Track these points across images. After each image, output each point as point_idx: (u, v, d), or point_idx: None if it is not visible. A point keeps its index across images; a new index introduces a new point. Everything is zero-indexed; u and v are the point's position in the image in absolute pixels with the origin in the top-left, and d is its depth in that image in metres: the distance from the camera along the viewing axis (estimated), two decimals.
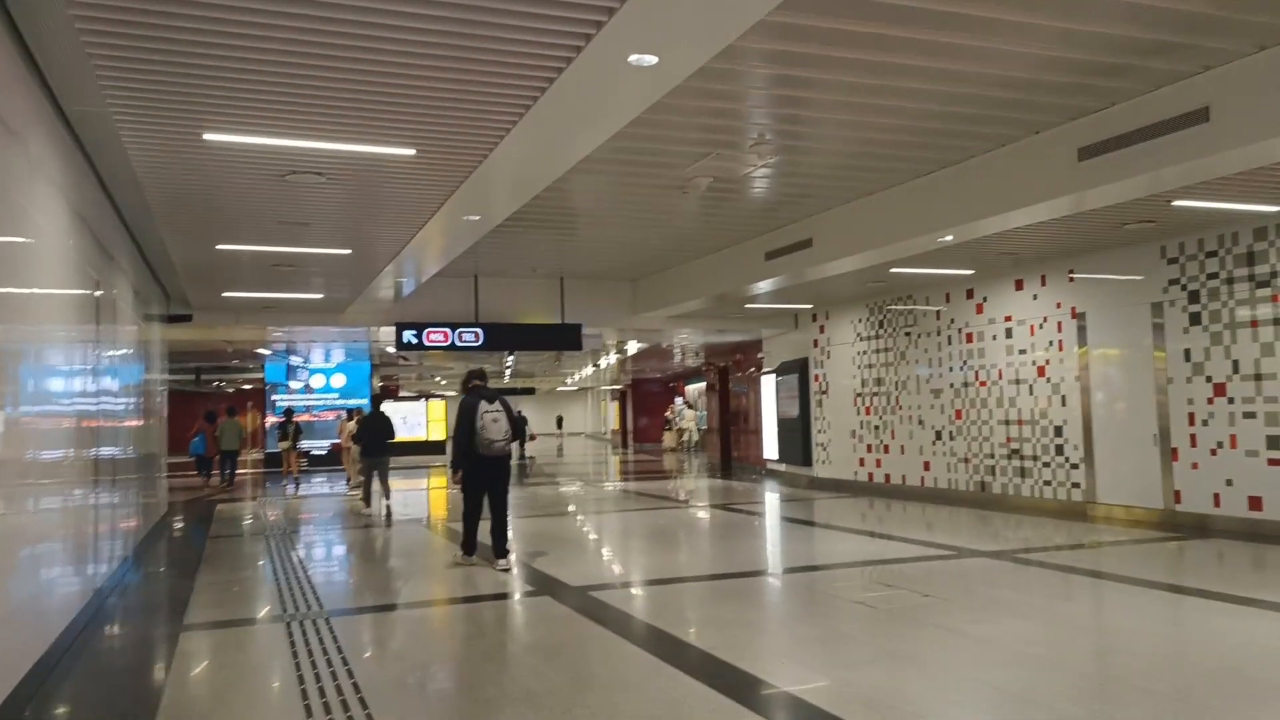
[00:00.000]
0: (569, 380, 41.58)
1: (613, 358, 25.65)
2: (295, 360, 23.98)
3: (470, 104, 5.02)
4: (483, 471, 7.81)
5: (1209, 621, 5.61)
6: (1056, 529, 9.60)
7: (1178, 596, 6.34)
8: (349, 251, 9.02)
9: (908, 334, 13.27)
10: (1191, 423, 9.23)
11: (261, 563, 8.72)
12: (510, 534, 8.41)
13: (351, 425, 15.18)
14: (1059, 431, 10.72)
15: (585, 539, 10.42)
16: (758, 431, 18.77)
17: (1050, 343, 10.87)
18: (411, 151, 5.79)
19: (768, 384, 17.92)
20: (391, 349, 20.66)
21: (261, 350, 20.29)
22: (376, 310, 13.69)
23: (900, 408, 13.44)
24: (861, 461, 14.30)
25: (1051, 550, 8.34)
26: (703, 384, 33.84)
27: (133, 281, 8.76)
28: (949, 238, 8.50)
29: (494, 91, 4.82)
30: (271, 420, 23.14)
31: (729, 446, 21.59)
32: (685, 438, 31.39)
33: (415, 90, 4.83)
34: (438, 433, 29.24)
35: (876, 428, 13.97)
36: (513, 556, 8.13)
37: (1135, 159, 6.23)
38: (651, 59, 4.29)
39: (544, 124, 5.25)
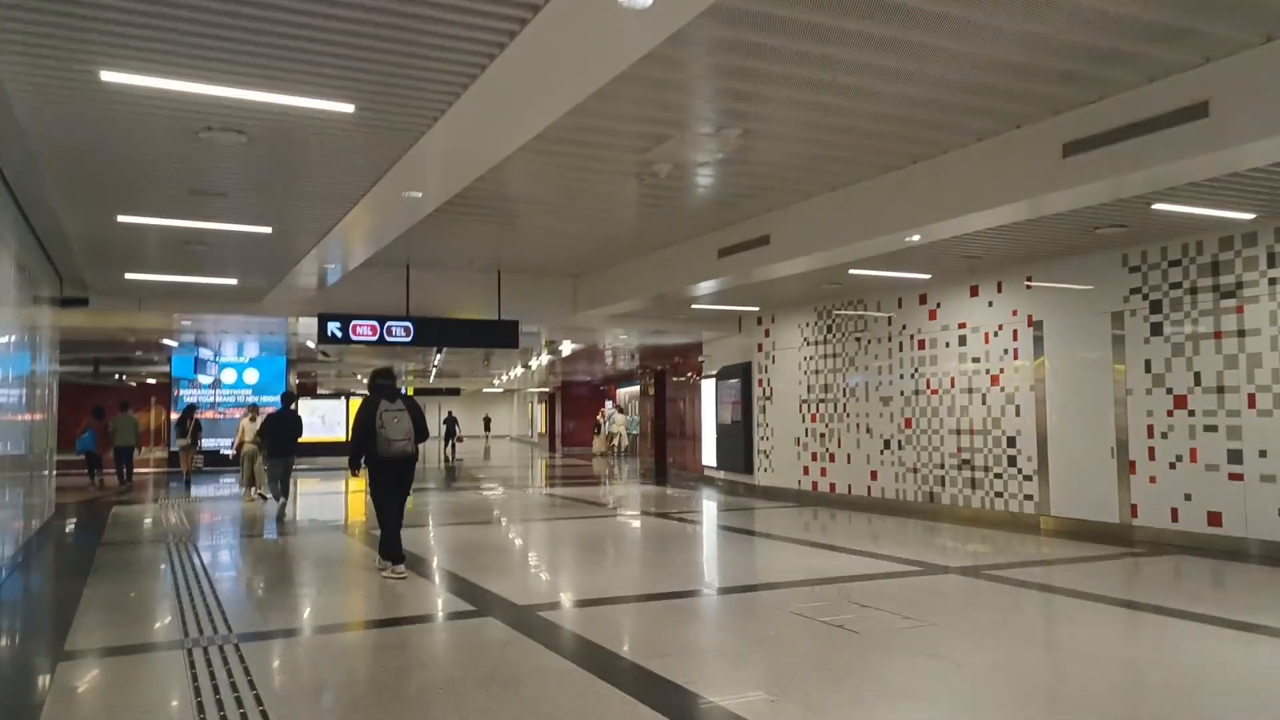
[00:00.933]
0: (496, 382, 40.60)
1: (545, 358, 24.91)
2: (205, 354, 22.56)
3: (425, 53, 4.33)
4: (385, 473, 7.51)
5: (1219, 648, 5.25)
6: (1012, 542, 9.30)
7: (1174, 620, 6.00)
8: (270, 230, 8.15)
9: (858, 339, 12.93)
10: (1151, 435, 9.04)
11: (160, 574, 7.79)
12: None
13: (251, 423, 14.47)
14: (1012, 442, 10.47)
15: (523, 551, 9.73)
16: (695, 437, 18.30)
17: (1005, 351, 10.62)
18: (350, 108, 5.05)
19: (708, 388, 17.47)
20: (311, 343, 19.56)
21: (168, 342, 18.93)
22: (298, 300, 12.73)
23: (848, 415, 13.10)
24: (806, 470, 13.92)
25: (1019, 566, 7.99)
26: (635, 388, 33.39)
27: (16, 256, 7.73)
28: (915, 238, 8.10)
29: (454, 36, 4.14)
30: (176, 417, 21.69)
31: (664, 452, 21.08)
32: (615, 442, 30.78)
33: (361, 33, 4.13)
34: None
35: (822, 435, 13.60)
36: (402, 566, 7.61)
37: (1126, 155, 5.88)
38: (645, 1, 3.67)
39: (511, 77, 4.57)
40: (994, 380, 10.74)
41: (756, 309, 14.54)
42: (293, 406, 13.66)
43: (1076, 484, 9.72)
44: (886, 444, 12.33)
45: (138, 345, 20.67)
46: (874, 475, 12.53)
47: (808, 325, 13.99)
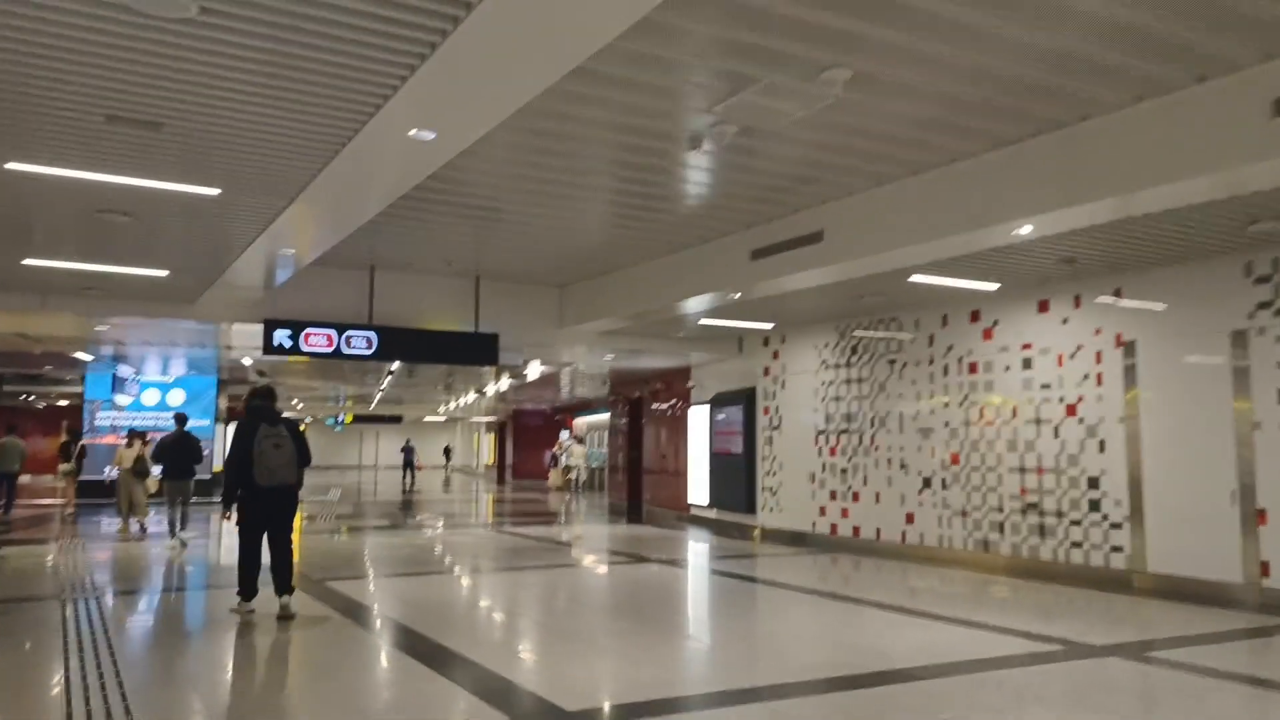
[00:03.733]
0: (441, 409, 38.28)
1: (505, 383, 22.94)
2: (124, 371, 20.07)
3: None
4: (262, 504, 6.83)
5: None
6: (1120, 606, 7.74)
7: None
8: (217, 192, 6.21)
9: (891, 362, 11.36)
10: None
11: (55, 650, 5.72)
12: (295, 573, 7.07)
13: (129, 449, 13.51)
14: (1095, 483, 8.94)
15: (535, 615, 7.82)
16: (679, 472, 16.53)
17: (1085, 376, 9.13)
18: None
19: (697, 417, 15.76)
20: (249, 359, 17.34)
21: (81, 355, 16.52)
22: (239, 302, 10.68)
23: (876, 448, 11.49)
24: (822, 510, 12.25)
25: (1180, 644, 6.32)
26: (594, 417, 31.51)
27: None
28: (1025, 230, 6.58)
29: None
30: (116, 440, 18.99)
31: (638, 488, 19.22)
32: (573, 475, 28.82)
33: None
34: None
35: (844, 471, 11.97)
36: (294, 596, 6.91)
37: None
38: None
39: None
40: (1070, 410, 9.23)
41: (768, 326, 12.90)
42: (185, 428, 12.51)
43: (1183, 535, 8.20)
44: (926, 482, 10.74)
45: (46, 359, 18.17)
46: (910, 518, 10.91)
47: (827, 346, 12.40)
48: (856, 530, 11.65)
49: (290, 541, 7.01)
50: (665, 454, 17.47)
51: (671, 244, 9.26)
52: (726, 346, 14.25)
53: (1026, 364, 9.71)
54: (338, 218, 6.97)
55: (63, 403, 29.91)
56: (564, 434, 32.58)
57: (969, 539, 10.16)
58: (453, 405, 34.11)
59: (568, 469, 29.07)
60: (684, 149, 6.31)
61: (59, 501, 18.38)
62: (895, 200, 6.99)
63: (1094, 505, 8.93)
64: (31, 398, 28.84)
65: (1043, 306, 9.59)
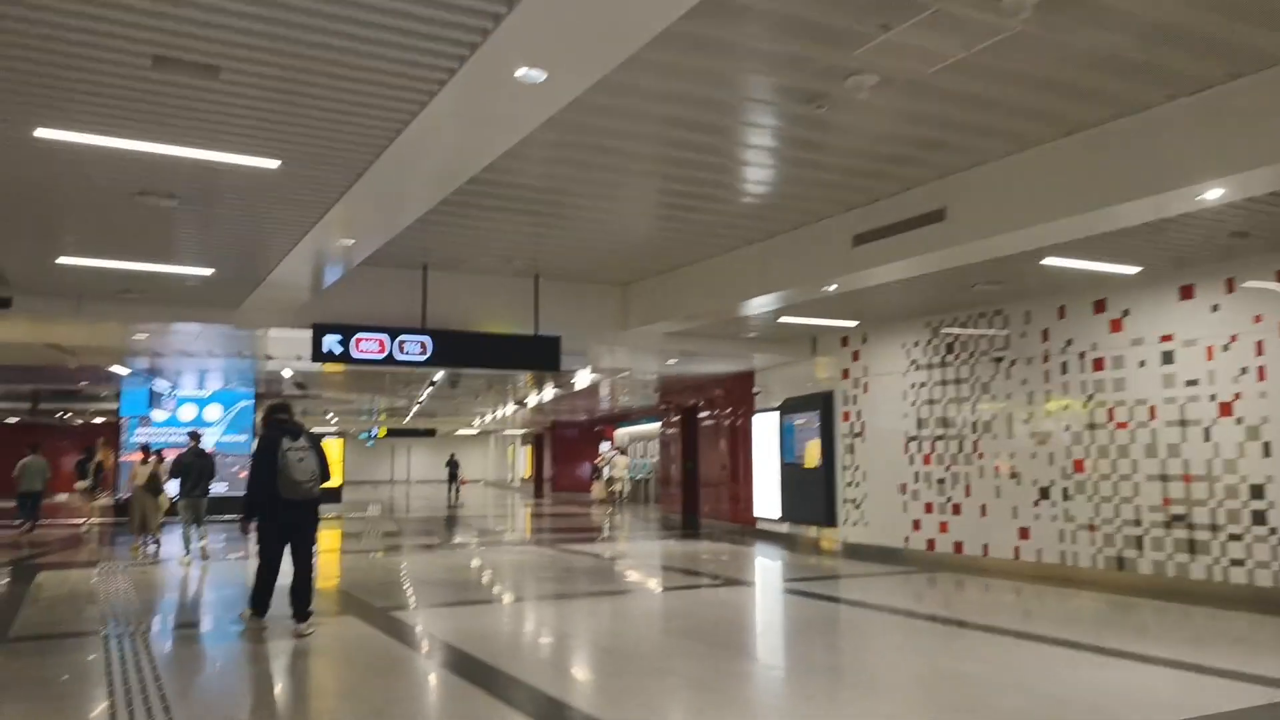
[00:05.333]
0: (475, 423, 37.45)
1: (548, 393, 22.04)
2: (160, 386, 19.37)
3: None
4: (285, 518, 6.75)
5: None
6: None
7: None
8: (276, 164, 5.32)
9: (997, 360, 10.31)
10: None
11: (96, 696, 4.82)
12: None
13: (143, 466, 13.09)
14: (1258, 492, 7.85)
15: (625, 651, 6.84)
16: (741, 483, 15.52)
17: (1243, 371, 8.05)
18: None
19: (763, 424, 14.78)
20: (289, 370, 16.57)
21: (117, 369, 15.80)
22: (284, 307, 9.87)
23: (981, 455, 10.43)
24: (916, 524, 11.19)
25: None
26: (636, 428, 30.52)
27: None
28: (1216, 193, 5.58)
29: None
30: (134, 458, 18.32)
31: (693, 500, 18.22)
32: (617, 488, 27.82)
33: None
34: (333, 477, 24.67)
35: (941, 481, 10.91)
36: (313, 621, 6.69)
37: None
38: None
39: None
40: (1224, 409, 8.15)
41: (851, 325, 11.89)
42: (200, 445, 12.25)
43: None
44: (1044, 492, 9.66)
45: (81, 374, 17.50)
46: (1024, 533, 9.84)
47: (916, 345, 11.37)
48: (959, 546, 10.59)
49: (313, 557, 6.93)
50: (726, 464, 16.47)
51: (752, 233, 8.40)
52: (798, 348, 13.26)
53: (1167, 358, 8.64)
54: (416, 190, 6.05)
55: (98, 420, 29.36)
56: (604, 445, 31.63)
57: (1098, 556, 9.06)
58: (489, 418, 33.26)
59: (611, 481, 28.08)
60: (796, 106, 5.38)
61: (90, 520, 17.93)
62: (1041, 166, 6.05)
63: (1259, 517, 7.83)
64: (68, 415, 28.29)
65: (1186, 292, 8.52)
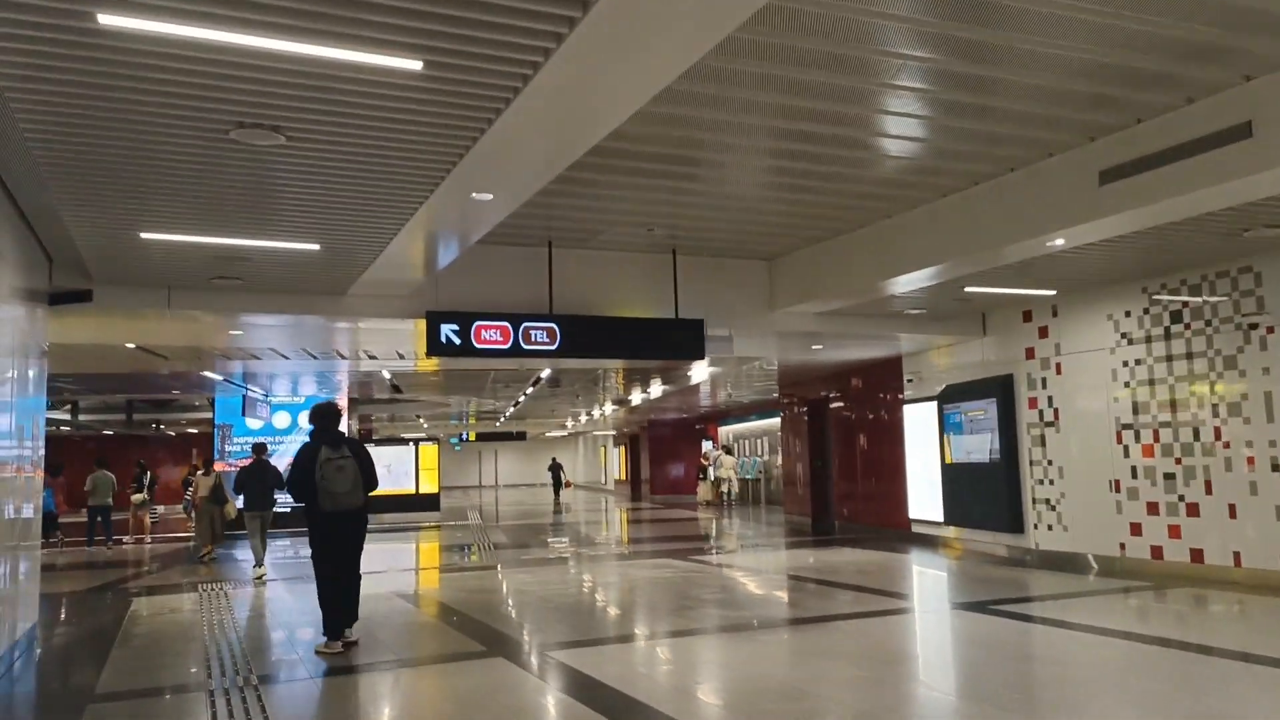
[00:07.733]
0: (569, 424, 36.28)
1: (656, 391, 20.55)
2: (255, 392, 18.57)
3: None
4: (331, 532, 6.55)
5: None
6: None
7: None
8: (419, 64, 3.89)
9: (1251, 327, 8.42)
10: None
11: None
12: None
13: (205, 478, 13.53)
14: None
15: None
16: (891, 482, 13.80)
17: None
18: None
19: (915, 415, 13.07)
20: (387, 371, 15.45)
21: (209, 374, 14.90)
22: (391, 293, 8.62)
23: (1226, 445, 8.55)
24: (1134, 528, 9.35)
25: None
26: (741, 425, 28.87)
27: None
28: None
29: None
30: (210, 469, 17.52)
31: (824, 501, 16.54)
32: (725, 489, 26.24)
33: None
34: (429, 484, 23.74)
35: (1168, 477, 9.05)
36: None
37: None
38: None
39: None
40: None
41: (1049, 294, 10.06)
42: (265, 456, 12.02)
43: None
44: None
45: (173, 380, 16.75)
46: None
47: (1127, 315, 9.52)
48: (1198, 554, 8.72)
49: (358, 571, 6.74)
50: (869, 461, 14.76)
51: (947, 181, 6.75)
52: (964, 326, 11.47)
53: None
54: (574, 121, 4.60)
55: (192, 430, 29.05)
56: (706, 444, 30.07)
57: None
58: (583, 419, 32.02)
59: (718, 481, 26.51)
60: None
61: (187, 534, 17.27)
62: None
63: None
64: (162, 426, 28.00)
65: None
